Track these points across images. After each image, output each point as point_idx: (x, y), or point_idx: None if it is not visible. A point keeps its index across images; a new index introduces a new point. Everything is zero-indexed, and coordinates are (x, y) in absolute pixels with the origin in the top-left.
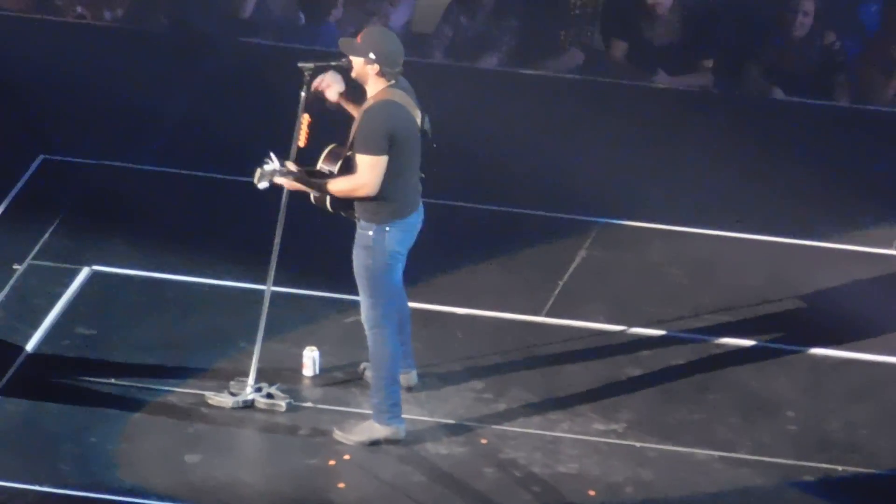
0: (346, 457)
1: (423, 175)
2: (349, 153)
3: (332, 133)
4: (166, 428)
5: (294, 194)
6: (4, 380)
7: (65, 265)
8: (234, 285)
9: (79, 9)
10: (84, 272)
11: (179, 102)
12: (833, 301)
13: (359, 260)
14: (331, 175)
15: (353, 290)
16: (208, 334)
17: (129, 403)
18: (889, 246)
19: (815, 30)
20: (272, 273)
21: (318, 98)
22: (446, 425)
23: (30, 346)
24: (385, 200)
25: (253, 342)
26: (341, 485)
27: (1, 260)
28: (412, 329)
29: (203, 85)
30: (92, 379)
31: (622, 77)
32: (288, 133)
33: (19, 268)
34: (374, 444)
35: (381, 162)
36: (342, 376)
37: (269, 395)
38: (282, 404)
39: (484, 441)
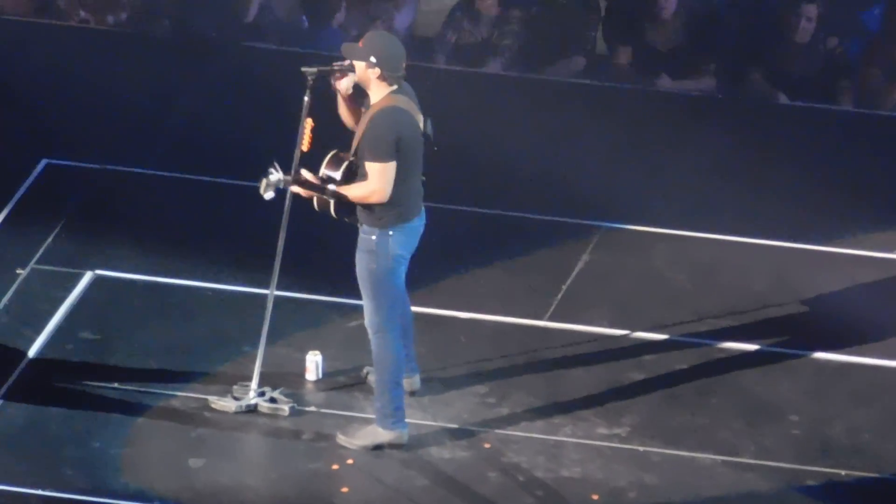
0: (350, 461)
1: (423, 178)
2: (352, 158)
3: (335, 137)
4: (170, 432)
5: (297, 199)
6: (8, 384)
7: (68, 269)
8: (237, 289)
9: (82, 13)
10: (87, 276)
11: (183, 107)
12: (836, 305)
13: (362, 264)
14: (332, 181)
15: (357, 294)
16: (211, 338)
17: (132, 408)
18: (893, 250)
19: (818, 34)
20: (275, 277)
21: (323, 92)
22: (449, 429)
23: (33, 351)
24: (389, 205)
25: (256, 346)
26: (345, 489)
27: (4, 264)
28: (415, 333)
29: (206, 89)
30: (95, 383)
31: (626, 81)
32: (291, 137)
33: (22, 272)
34: (378, 448)
35: (390, 168)
36: (345, 380)
37: (273, 400)
38: (285, 408)
39: (487, 445)
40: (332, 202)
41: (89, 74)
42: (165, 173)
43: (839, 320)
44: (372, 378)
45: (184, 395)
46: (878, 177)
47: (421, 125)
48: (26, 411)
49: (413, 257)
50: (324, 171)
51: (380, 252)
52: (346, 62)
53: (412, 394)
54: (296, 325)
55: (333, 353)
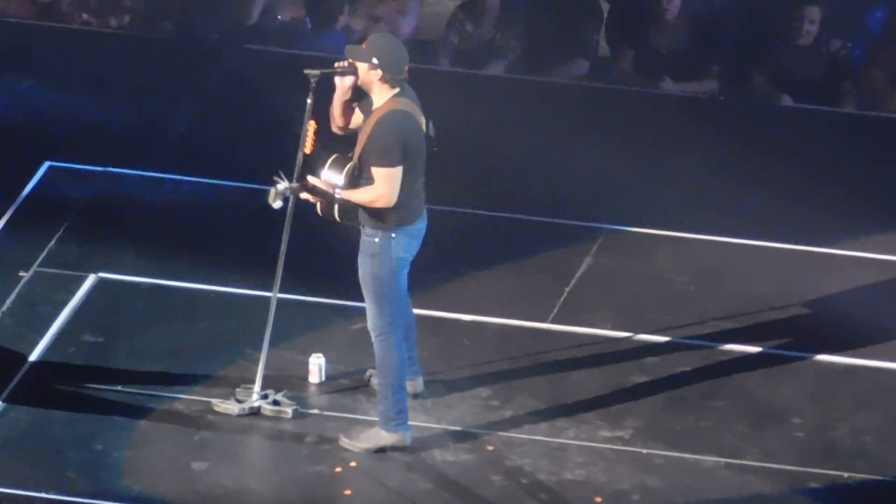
0: (353, 464)
1: (423, 179)
2: (354, 162)
3: (338, 140)
4: (173, 435)
5: (300, 201)
6: (11, 387)
7: (71, 272)
8: (240, 292)
9: (85, 16)
10: (90, 279)
11: (185, 109)
12: (840, 308)
13: (365, 267)
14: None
15: (360, 296)
16: (214, 341)
17: (135, 411)
18: None
19: (821, 37)
20: (278, 280)
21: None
22: (453, 432)
23: (36, 354)
24: (392, 208)
25: (259, 349)
26: (347, 492)
27: (7, 267)
28: (418, 336)
29: (209, 91)
30: (98, 386)
31: (628, 84)
32: (294, 140)
33: (25, 275)
34: (381, 451)
35: (397, 173)
36: (348, 383)
37: (276, 402)
38: (288, 411)
39: (490, 448)
40: (336, 208)
41: (92, 77)
42: (169, 175)
43: (842, 323)
44: (375, 381)
45: (187, 398)
46: (881, 179)
47: (423, 128)
48: (29, 414)
49: (415, 260)
50: (326, 175)
51: (382, 255)
52: (346, 62)
53: (415, 396)
54: (299, 327)
55: (336, 355)
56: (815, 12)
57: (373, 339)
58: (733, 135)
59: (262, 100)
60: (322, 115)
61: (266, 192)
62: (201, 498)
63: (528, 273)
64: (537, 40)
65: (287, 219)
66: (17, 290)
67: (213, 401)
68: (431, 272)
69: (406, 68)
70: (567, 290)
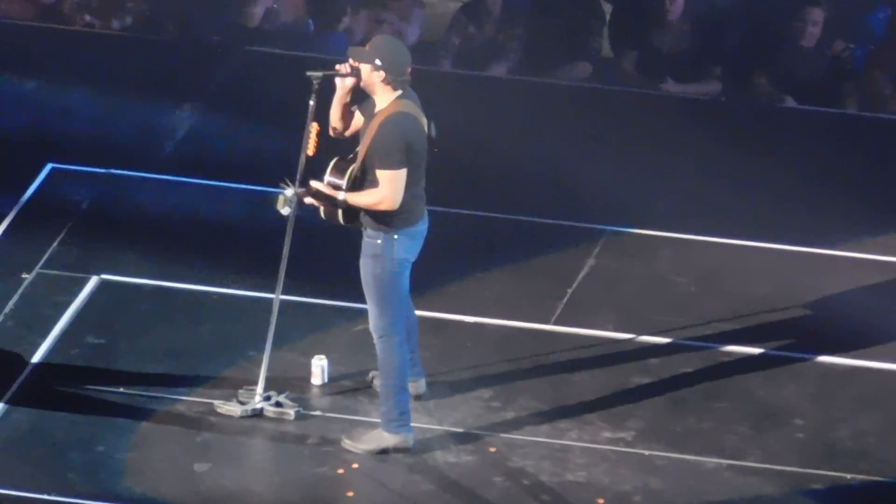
0: (355, 465)
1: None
2: (356, 165)
3: (340, 141)
4: (175, 437)
5: (302, 203)
6: (13, 389)
7: (73, 274)
8: (242, 294)
9: (87, 17)
10: (92, 281)
11: (188, 111)
12: (841, 309)
13: (367, 269)
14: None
15: (362, 298)
16: (217, 343)
17: (137, 412)
18: None
19: (824, 38)
20: (281, 281)
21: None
22: (455, 434)
23: (38, 356)
24: (395, 210)
25: (261, 351)
26: (350, 493)
27: (9, 269)
28: (420, 337)
29: (211, 93)
30: (100, 388)
31: (631, 85)
32: (297, 142)
33: (27, 276)
34: (383, 452)
35: (401, 175)
36: (350, 385)
37: (278, 404)
38: (290, 413)
39: (492, 449)
40: (339, 211)
41: (94, 79)
42: (171, 177)
43: (844, 324)
44: (377, 382)
45: (189, 400)
46: (883, 180)
47: (425, 129)
48: (31, 415)
49: (417, 261)
50: (328, 178)
51: (385, 256)
52: (348, 63)
53: (417, 398)
54: (301, 329)
55: (339, 357)
56: (817, 14)
57: (375, 340)
58: (735, 136)
59: (264, 102)
60: (324, 117)
61: (274, 199)
62: (203, 499)
63: (530, 274)
64: (539, 41)
65: (289, 220)
66: (19, 291)
67: (216, 402)
68: (433, 274)
69: (408, 70)
70: (569, 291)
